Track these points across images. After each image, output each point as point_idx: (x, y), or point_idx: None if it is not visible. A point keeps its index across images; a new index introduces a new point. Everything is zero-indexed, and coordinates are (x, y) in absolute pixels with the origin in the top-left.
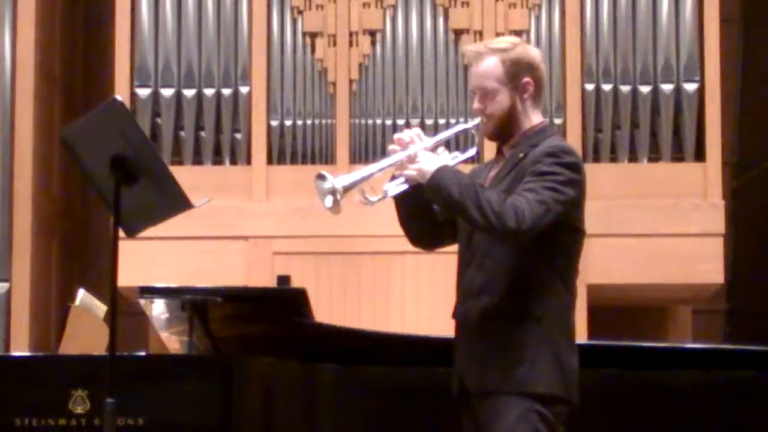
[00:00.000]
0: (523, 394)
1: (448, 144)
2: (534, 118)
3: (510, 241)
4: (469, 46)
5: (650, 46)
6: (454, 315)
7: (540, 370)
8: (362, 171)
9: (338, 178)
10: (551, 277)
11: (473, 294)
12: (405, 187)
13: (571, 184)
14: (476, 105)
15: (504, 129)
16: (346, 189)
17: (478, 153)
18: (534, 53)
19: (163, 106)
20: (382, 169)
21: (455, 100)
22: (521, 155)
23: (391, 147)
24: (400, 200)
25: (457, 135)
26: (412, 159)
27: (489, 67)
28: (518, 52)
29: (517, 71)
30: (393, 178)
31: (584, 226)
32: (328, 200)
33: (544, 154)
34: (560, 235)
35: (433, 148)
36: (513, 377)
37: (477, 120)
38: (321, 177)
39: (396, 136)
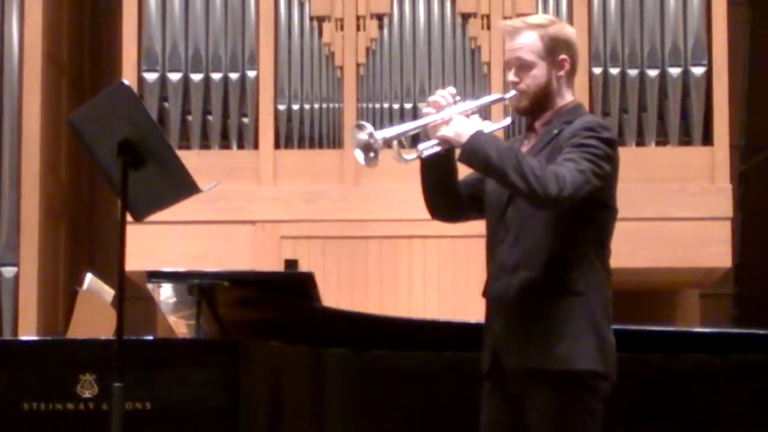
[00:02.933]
0: (565, 373)
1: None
2: (567, 96)
3: (548, 209)
4: (506, 21)
5: (658, 29)
6: (485, 293)
7: (583, 347)
8: (399, 127)
9: (378, 130)
10: (588, 252)
11: (509, 270)
12: (438, 149)
13: (607, 160)
14: (511, 78)
15: (537, 104)
16: (386, 141)
17: (512, 123)
18: (570, 31)
19: (170, 90)
20: (418, 128)
21: (463, 84)
22: (555, 131)
23: (425, 109)
24: (426, 167)
25: (489, 105)
26: (446, 122)
27: (528, 41)
28: (556, 29)
29: (554, 47)
30: (427, 139)
31: (616, 204)
32: (363, 154)
33: (582, 128)
34: (594, 211)
35: (468, 115)
36: (555, 354)
37: (513, 92)
38: (360, 126)
39: (432, 98)
